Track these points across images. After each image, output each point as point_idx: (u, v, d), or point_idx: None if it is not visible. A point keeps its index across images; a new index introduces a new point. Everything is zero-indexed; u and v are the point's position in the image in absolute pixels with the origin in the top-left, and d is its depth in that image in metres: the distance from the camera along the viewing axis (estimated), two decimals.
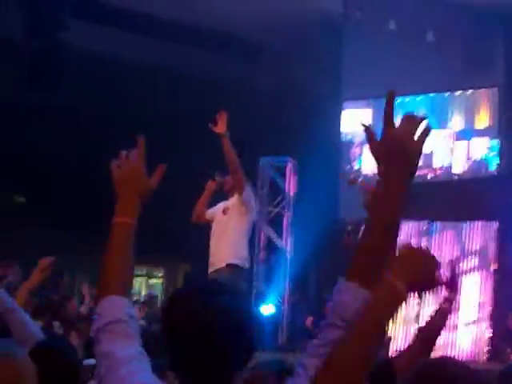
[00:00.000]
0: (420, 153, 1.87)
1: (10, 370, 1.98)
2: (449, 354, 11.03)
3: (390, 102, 1.89)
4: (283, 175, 14.19)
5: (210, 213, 8.47)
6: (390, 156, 1.87)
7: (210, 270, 8.18)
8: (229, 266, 8.08)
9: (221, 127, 7.86)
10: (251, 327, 2.07)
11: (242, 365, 2.06)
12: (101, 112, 14.66)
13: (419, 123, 1.88)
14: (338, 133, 16.16)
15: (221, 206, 8.43)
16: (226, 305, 2.02)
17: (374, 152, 1.90)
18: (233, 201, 8.27)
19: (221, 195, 8.59)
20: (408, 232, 12.78)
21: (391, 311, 1.82)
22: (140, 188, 2.41)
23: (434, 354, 3.82)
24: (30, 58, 13.18)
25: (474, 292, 12.08)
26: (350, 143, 16.08)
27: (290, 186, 14.22)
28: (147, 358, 2.25)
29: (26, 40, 12.91)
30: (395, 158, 1.86)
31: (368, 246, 1.87)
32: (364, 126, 1.94)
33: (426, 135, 1.88)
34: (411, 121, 1.88)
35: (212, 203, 8.56)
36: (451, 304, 3.96)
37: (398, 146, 1.86)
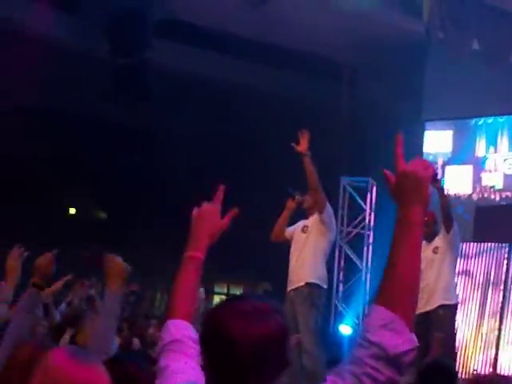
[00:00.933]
0: (428, 180, 2.12)
1: (85, 378, 2.06)
2: None
3: (399, 143, 2.13)
4: (364, 195, 14.14)
5: (289, 231, 8.49)
6: (403, 187, 2.10)
7: (289, 288, 8.21)
8: (308, 284, 8.11)
9: (303, 146, 7.92)
10: (282, 344, 2.06)
11: (274, 378, 2.06)
12: (183, 131, 14.84)
13: (426, 162, 2.15)
14: (421, 154, 16.00)
15: (300, 224, 8.45)
16: (249, 328, 2.02)
17: (392, 193, 2.14)
18: (313, 220, 8.28)
19: (301, 214, 8.61)
20: (489, 255, 12.57)
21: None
22: (211, 229, 2.67)
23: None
24: (116, 76, 13.42)
25: None
26: (433, 164, 15.82)
27: (371, 206, 14.16)
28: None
29: (111, 59, 13.14)
30: (407, 188, 2.10)
31: (391, 272, 2.02)
32: (383, 171, 2.19)
33: (435, 175, 2.18)
34: (420, 160, 2.16)
35: (292, 221, 8.59)
36: None
37: (408, 177, 2.10)
